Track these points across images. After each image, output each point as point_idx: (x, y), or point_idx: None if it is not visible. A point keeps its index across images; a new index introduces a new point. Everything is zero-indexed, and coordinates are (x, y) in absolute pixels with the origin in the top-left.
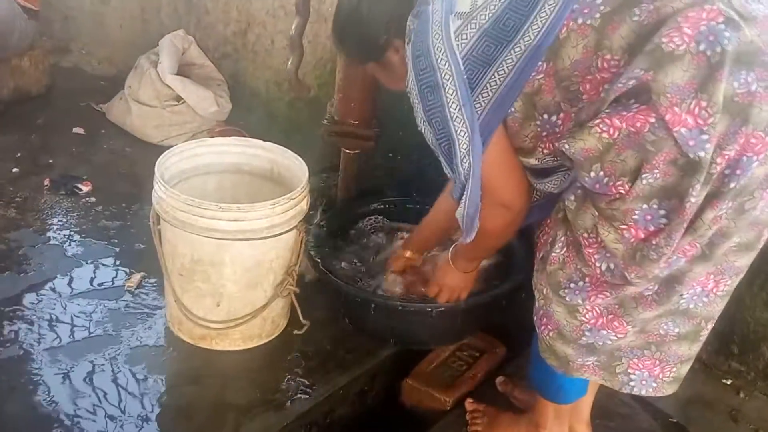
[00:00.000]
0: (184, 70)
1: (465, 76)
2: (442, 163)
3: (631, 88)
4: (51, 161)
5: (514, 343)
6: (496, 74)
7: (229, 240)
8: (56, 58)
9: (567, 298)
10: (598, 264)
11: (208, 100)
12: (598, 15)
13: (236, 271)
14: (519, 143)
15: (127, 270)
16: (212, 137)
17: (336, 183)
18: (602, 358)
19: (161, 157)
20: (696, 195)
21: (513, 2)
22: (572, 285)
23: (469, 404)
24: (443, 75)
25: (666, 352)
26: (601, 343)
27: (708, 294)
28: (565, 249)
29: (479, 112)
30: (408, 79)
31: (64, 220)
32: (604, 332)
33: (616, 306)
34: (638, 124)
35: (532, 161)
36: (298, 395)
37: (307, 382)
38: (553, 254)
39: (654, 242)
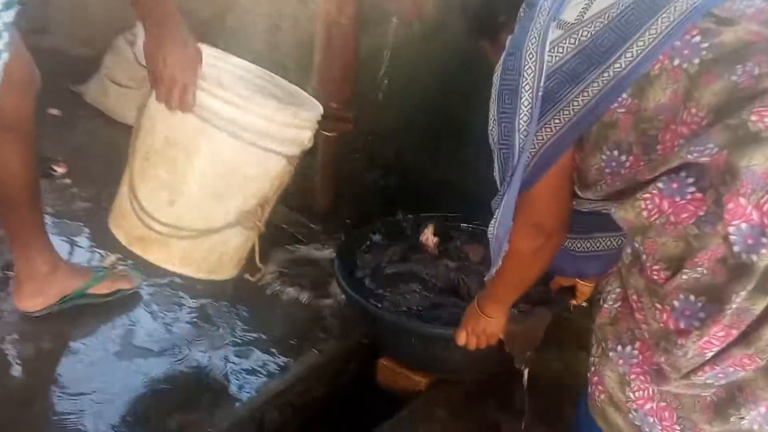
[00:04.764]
0: None
1: (541, 93)
2: (495, 169)
3: (699, 163)
4: None
5: None
6: (580, 96)
7: (214, 127)
8: (34, 40)
9: (613, 361)
10: (646, 335)
11: None
12: (697, 60)
13: (206, 169)
14: (584, 171)
15: (103, 252)
16: None
17: (315, 166)
18: None
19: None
20: (739, 302)
21: (616, 21)
22: (619, 348)
23: None
24: (524, 84)
25: None
26: (647, 430)
27: None
28: (619, 303)
29: (558, 128)
30: (496, 69)
31: None
32: (651, 419)
33: (672, 396)
34: (684, 216)
35: (589, 195)
36: (273, 376)
37: (282, 363)
38: (605, 306)
39: (679, 341)
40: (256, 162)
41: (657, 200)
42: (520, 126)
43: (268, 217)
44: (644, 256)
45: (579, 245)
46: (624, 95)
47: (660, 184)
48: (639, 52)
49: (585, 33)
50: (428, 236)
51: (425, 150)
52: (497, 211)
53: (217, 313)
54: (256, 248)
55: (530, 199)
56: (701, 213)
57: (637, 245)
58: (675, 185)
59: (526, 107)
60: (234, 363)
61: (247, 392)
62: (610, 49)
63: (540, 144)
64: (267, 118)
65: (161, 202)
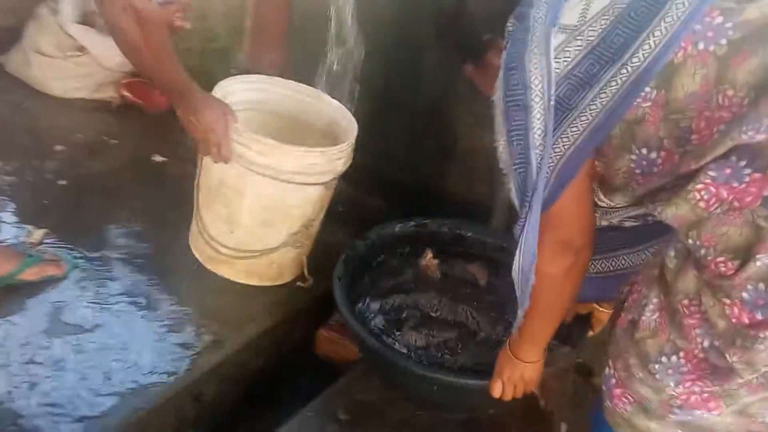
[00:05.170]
0: (88, 20)
1: (553, 102)
2: (512, 192)
3: (750, 144)
4: None
5: None
6: (597, 98)
7: (254, 172)
8: None
9: (657, 376)
10: (699, 340)
11: (113, 50)
12: (724, 41)
13: (253, 205)
14: (609, 177)
15: (29, 227)
16: (120, 90)
17: None
18: None
19: (223, 82)
20: None
21: (624, 15)
22: (664, 359)
23: None
24: (533, 96)
25: None
26: (689, 418)
27: None
28: (657, 314)
29: (576, 135)
30: (495, 89)
31: None
32: (698, 412)
33: (718, 390)
34: (748, 199)
35: (618, 200)
36: (209, 350)
37: (218, 337)
38: (644, 318)
39: (761, 335)
40: (295, 195)
41: (713, 189)
42: (535, 141)
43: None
44: (703, 251)
45: (603, 265)
46: (647, 89)
47: (711, 173)
48: (657, 42)
49: (592, 33)
50: (428, 260)
51: (361, 122)
52: (521, 238)
53: (151, 288)
54: (304, 263)
55: (552, 215)
56: (766, 193)
57: (691, 241)
58: (728, 170)
59: (538, 120)
60: (169, 338)
61: (183, 367)
62: (623, 45)
63: (559, 156)
64: (298, 160)
65: (223, 231)
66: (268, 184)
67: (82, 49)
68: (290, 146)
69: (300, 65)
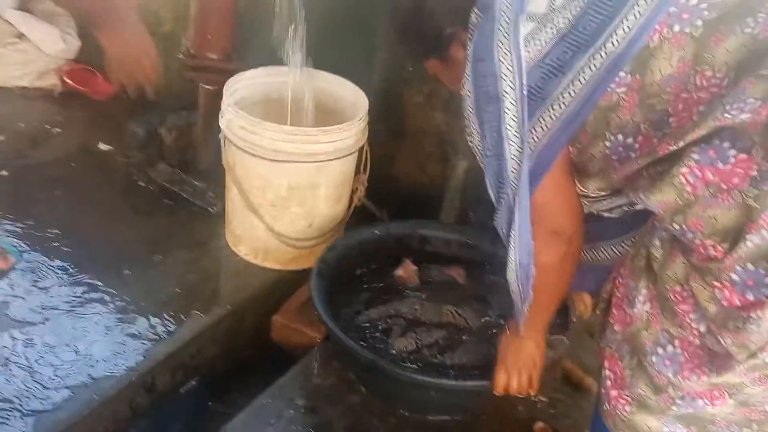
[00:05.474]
0: (27, 6)
1: (525, 92)
2: (487, 186)
3: (734, 124)
4: None
5: None
6: (571, 85)
7: (325, 162)
8: None
9: (656, 368)
10: (695, 325)
11: (53, 36)
12: (699, 22)
13: (328, 191)
14: (585, 162)
15: None
16: (62, 77)
17: (196, 121)
18: (692, 429)
19: (230, 83)
20: None
21: (595, 1)
22: (660, 350)
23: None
24: (504, 86)
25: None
26: (691, 410)
27: None
28: (648, 305)
29: (551, 124)
30: (464, 82)
31: None
32: (701, 401)
33: (724, 384)
34: (735, 180)
35: (592, 186)
36: (162, 339)
37: (170, 326)
38: (635, 310)
39: (753, 315)
40: (353, 162)
41: (698, 172)
42: (509, 131)
43: None
44: (690, 235)
45: (583, 256)
46: (622, 73)
47: (695, 156)
48: (631, 26)
49: (562, 19)
50: (407, 268)
51: None
52: (511, 236)
53: (99, 279)
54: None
55: (537, 206)
56: (753, 173)
57: (677, 227)
58: (712, 153)
59: (511, 110)
60: (120, 329)
61: (136, 357)
62: (596, 31)
63: (535, 144)
64: (355, 132)
65: (301, 229)
66: (336, 166)
67: (21, 36)
68: (349, 123)
69: (249, 48)
